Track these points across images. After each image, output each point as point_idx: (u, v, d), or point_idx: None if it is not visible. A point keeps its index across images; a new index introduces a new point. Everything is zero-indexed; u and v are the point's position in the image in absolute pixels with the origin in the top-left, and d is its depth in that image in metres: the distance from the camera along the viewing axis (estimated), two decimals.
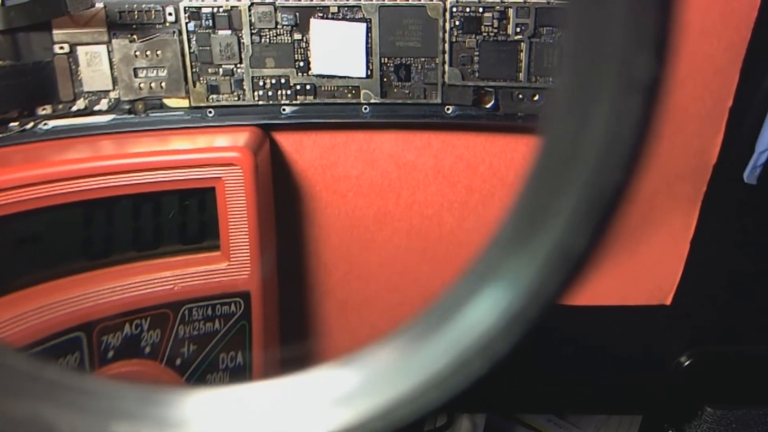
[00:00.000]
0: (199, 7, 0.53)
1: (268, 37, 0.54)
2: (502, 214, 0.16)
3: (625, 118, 0.13)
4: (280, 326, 0.59)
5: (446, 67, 0.54)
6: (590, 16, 0.14)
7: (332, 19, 0.53)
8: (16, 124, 0.51)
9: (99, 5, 0.51)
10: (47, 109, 0.52)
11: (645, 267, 0.63)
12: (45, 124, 0.52)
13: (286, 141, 0.58)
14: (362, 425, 0.16)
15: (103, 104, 0.54)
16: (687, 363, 0.68)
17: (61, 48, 0.52)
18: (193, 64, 0.54)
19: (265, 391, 0.17)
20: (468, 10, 0.53)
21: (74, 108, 0.53)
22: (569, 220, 0.14)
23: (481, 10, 0.53)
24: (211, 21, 0.53)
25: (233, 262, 0.52)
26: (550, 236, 0.15)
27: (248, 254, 0.52)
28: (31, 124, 0.52)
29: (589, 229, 0.14)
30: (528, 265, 0.15)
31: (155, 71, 0.54)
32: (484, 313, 0.16)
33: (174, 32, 0.53)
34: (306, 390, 0.17)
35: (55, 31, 0.52)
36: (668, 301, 0.64)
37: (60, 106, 0.53)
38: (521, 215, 0.15)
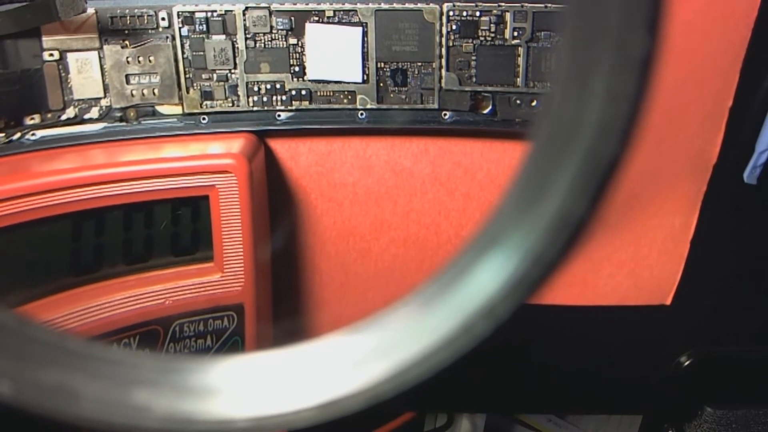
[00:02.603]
0: (193, 12, 0.52)
1: (263, 41, 0.53)
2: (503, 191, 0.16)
3: (620, 93, 0.14)
4: (273, 341, 0.58)
5: (443, 71, 0.53)
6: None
7: (328, 23, 0.52)
8: (2, 135, 0.50)
9: (90, 11, 0.51)
10: (35, 119, 0.51)
11: (645, 267, 0.63)
12: (33, 134, 0.51)
13: (281, 147, 0.57)
14: (380, 385, 0.17)
15: (94, 112, 0.53)
16: (687, 363, 0.68)
17: (51, 55, 0.51)
18: (187, 69, 0.53)
19: (282, 358, 0.18)
20: (465, 14, 0.52)
21: (64, 117, 0.52)
22: (569, 189, 0.15)
23: (478, 14, 0.52)
24: (205, 26, 0.52)
25: (227, 274, 0.51)
26: (551, 203, 0.15)
27: (242, 265, 0.51)
28: (18, 135, 0.51)
29: (588, 196, 0.15)
30: (531, 230, 0.16)
31: (148, 77, 0.53)
32: (489, 277, 0.16)
33: (167, 37, 0.53)
34: (325, 354, 0.18)
35: (44, 38, 0.51)
36: (668, 301, 0.64)
37: (49, 116, 0.52)
38: (524, 184, 0.16)
